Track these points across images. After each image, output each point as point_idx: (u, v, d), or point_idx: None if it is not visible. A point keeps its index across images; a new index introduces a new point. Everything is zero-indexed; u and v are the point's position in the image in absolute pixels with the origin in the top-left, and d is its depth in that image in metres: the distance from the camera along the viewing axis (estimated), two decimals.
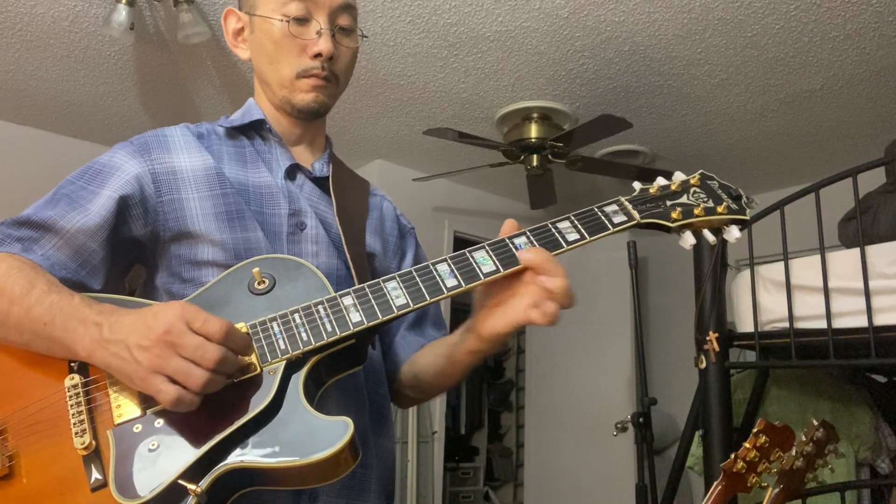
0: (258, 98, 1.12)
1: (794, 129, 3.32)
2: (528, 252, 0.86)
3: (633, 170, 3.38)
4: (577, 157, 3.28)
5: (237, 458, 0.78)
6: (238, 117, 1.11)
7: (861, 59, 2.67)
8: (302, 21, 1.03)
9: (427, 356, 1.08)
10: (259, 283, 0.89)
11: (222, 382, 0.78)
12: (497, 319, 0.88)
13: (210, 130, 1.09)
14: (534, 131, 3.18)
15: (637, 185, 0.97)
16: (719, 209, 0.94)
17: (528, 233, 0.90)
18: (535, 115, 3.17)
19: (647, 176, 3.36)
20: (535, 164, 3.26)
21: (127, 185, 0.98)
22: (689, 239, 0.94)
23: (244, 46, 1.11)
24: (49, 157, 3.44)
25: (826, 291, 2.01)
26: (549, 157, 3.26)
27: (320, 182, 1.11)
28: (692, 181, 0.97)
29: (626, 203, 0.94)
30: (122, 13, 2.27)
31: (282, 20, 1.03)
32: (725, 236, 0.95)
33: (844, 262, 2.03)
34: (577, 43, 2.64)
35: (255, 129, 1.11)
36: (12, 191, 3.22)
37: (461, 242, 4.16)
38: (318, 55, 1.03)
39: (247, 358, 0.82)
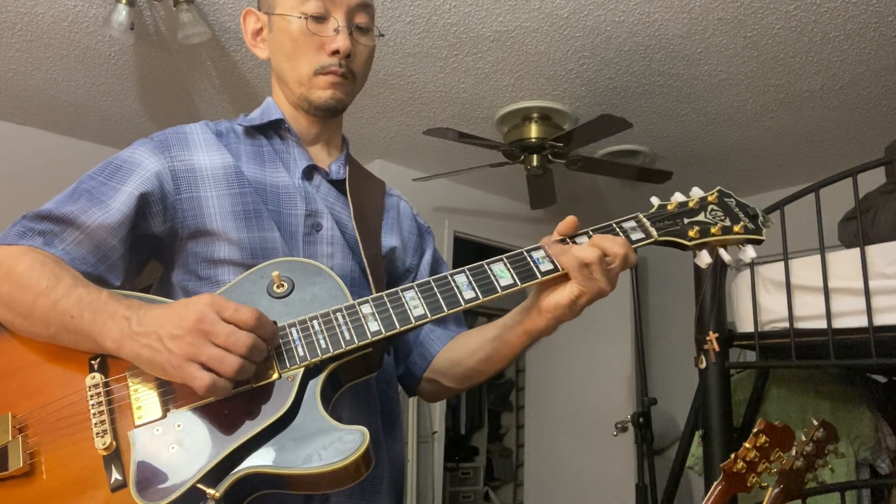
0: (276, 97, 1.13)
1: (794, 129, 3.32)
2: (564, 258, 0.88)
3: (633, 170, 3.38)
4: (577, 157, 3.28)
5: (254, 463, 0.79)
6: (257, 116, 1.12)
7: (861, 59, 2.67)
8: (320, 19, 1.04)
9: (471, 343, 1.08)
10: (278, 287, 0.90)
11: (253, 369, 0.79)
12: (556, 293, 0.90)
13: (229, 129, 1.10)
14: (534, 131, 3.18)
15: (655, 201, 0.98)
16: (736, 228, 0.94)
17: (546, 247, 0.91)
18: (535, 115, 3.17)
19: (647, 176, 3.38)
20: (535, 164, 3.26)
21: (147, 181, 0.98)
22: (705, 258, 0.95)
23: (263, 46, 1.12)
24: (49, 157, 3.44)
25: (826, 291, 2.01)
26: (549, 157, 3.26)
27: (337, 183, 1.11)
28: (710, 198, 0.98)
29: (644, 220, 0.95)
30: (122, 13, 2.27)
31: (300, 18, 1.04)
32: (741, 256, 0.96)
33: (844, 262, 2.03)
34: (577, 43, 2.64)
35: (273, 129, 1.12)
36: (12, 191, 3.22)
37: (461, 242, 4.16)
38: (335, 52, 1.04)
39: (266, 361, 0.83)
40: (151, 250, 1.02)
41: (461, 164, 3.74)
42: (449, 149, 3.60)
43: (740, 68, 2.77)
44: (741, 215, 0.96)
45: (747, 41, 2.58)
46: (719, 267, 2.28)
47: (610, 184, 4.06)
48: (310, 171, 1.09)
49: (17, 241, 0.93)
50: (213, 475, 0.77)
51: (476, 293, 0.88)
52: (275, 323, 0.83)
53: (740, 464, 1.50)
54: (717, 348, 2.22)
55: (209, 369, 0.76)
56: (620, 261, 0.88)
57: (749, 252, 0.95)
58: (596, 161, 3.40)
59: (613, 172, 3.41)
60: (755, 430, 1.52)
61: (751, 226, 0.95)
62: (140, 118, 3.33)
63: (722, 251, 0.96)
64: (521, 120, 3.21)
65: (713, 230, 0.94)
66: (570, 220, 0.92)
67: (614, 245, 0.87)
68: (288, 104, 1.11)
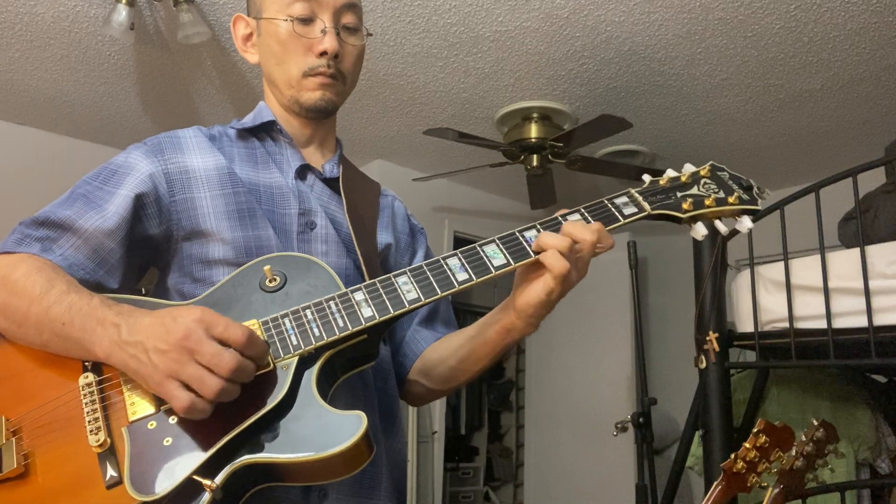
0: (268, 100, 1.14)
1: (794, 129, 3.32)
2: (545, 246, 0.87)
3: (633, 170, 3.38)
4: (577, 157, 3.28)
5: (251, 453, 0.78)
6: (249, 119, 1.13)
7: (861, 59, 2.67)
8: (306, 21, 1.04)
9: (452, 343, 1.08)
10: (270, 281, 0.90)
11: (237, 392, 0.78)
12: (528, 291, 0.88)
13: (222, 132, 1.11)
14: (534, 131, 3.18)
15: (647, 178, 0.97)
16: (730, 199, 0.94)
17: (539, 225, 0.91)
18: (535, 115, 3.17)
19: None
20: (535, 164, 3.26)
21: (142, 183, 0.99)
22: (700, 230, 0.94)
23: (253, 51, 1.13)
24: (49, 157, 3.44)
25: (826, 291, 2.00)
26: (549, 157, 3.26)
27: (331, 182, 1.12)
28: (702, 172, 0.98)
29: (637, 195, 0.94)
30: (122, 13, 2.27)
31: (286, 20, 1.04)
32: (738, 227, 0.95)
33: (844, 262, 2.03)
34: (577, 43, 2.64)
35: (265, 131, 1.12)
36: (12, 191, 3.22)
37: (461, 242, 4.16)
38: (323, 53, 1.04)
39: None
40: (149, 255, 1.03)
41: (461, 164, 3.74)
42: (449, 149, 3.60)
43: (740, 68, 2.77)
44: (735, 187, 0.96)
45: (747, 41, 2.58)
46: (719, 267, 2.28)
47: (610, 184, 4.05)
48: (303, 171, 1.09)
49: (15, 249, 0.93)
50: (210, 466, 0.76)
51: (469, 274, 0.87)
52: (265, 342, 0.83)
53: (740, 464, 1.50)
54: (717, 348, 2.22)
55: (191, 389, 0.76)
56: (590, 247, 0.86)
57: (745, 223, 0.94)
58: (596, 161, 3.40)
59: (613, 172, 3.41)
60: (755, 430, 1.52)
61: (745, 196, 0.95)
62: (140, 118, 3.33)
63: (718, 223, 0.95)
64: (521, 120, 3.21)
65: (707, 202, 0.93)
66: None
67: (584, 232, 0.85)
68: (280, 107, 1.11)
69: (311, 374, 0.83)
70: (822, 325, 2.02)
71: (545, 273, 0.86)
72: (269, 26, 1.07)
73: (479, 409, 5.25)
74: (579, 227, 0.86)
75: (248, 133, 1.11)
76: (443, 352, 1.09)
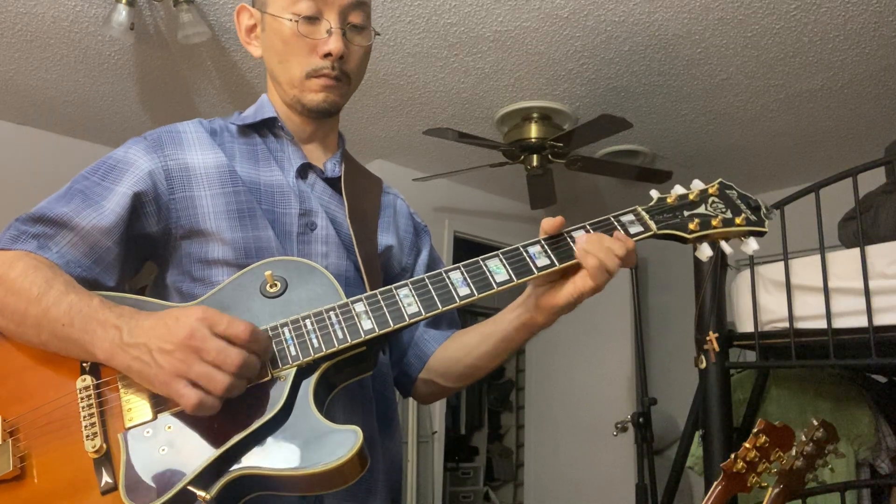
0: (271, 95, 1.12)
1: (794, 129, 3.32)
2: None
3: (633, 170, 3.38)
4: (577, 157, 3.28)
5: (247, 464, 0.78)
6: (250, 114, 1.11)
7: (861, 59, 2.67)
8: (312, 20, 1.02)
9: (469, 341, 1.07)
10: (271, 286, 0.88)
11: (244, 387, 0.78)
12: (556, 293, 0.90)
13: (223, 127, 1.09)
14: (534, 131, 3.18)
15: (654, 194, 0.96)
16: (738, 220, 0.93)
17: (543, 242, 0.90)
18: (535, 115, 3.17)
19: (647, 176, 3.38)
20: (535, 164, 3.26)
21: (141, 181, 0.97)
22: (706, 251, 0.93)
23: (256, 44, 1.10)
24: (49, 157, 3.43)
25: (826, 291, 2.00)
26: (549, 157, 3.26)
27: (332, 181, 1.10)
28: (710, 190, 0.96)
29: (643, 213, 0.93)
30: (122, 13, 2.27)
31: (292, 19, 1.02)
32: (743, 248, 0.94)
33: (844, 262, 2.03)
34: (577, 43, 2.64)
35: (267, 127, 1.10)
36: (12, 191, 3.22)
37: (461, 242, 4.16)
38: (327, 55, 1.01)
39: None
40: (147, 251, 1.01)
41: (461, 164, 3.74)
42: (449, 149, 3.60)
43: (740, 68, 2.77)
44: (743, 207, 0.94)
45: (747, 41, 2.58)
46: (719, 267, 2.28)
47: (610, 184, 4.06)
48: (304, 170, 1.07)
49: (11, 246, 0.92)
50: (205, 477, 0.76)
51: (471, 289, 0.87)
52: (269, 336, 0.82)
53: (740, 464, 1.50)
54: (717, 348, 2.22)
55: (198, 386, 0.75)
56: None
57: (751, 244, 0.93)
58: (596, 161, 3.40)
59: (613, 172, 3.41)
60: (755, 430, 1.52)
61: (753, 217, 0.93)
62: (140, 118, 3.33)
63: (723, 243, 0.94)
64: (521, 120, 3.21)
65: (714, 222, 0.92)
66: (557, 221, 0.91)
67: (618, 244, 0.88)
68: (282, 103, 1.10)
69: (309, 385, 0.82)
70: (822, 325, 2.02)
71: (570, 281, 0.88)
72: (273, 22, 1.04)
73: (479, 409, 5.25)
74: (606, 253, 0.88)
75: (249, 129, 1.09)
76: (457, 350, 1.09)
